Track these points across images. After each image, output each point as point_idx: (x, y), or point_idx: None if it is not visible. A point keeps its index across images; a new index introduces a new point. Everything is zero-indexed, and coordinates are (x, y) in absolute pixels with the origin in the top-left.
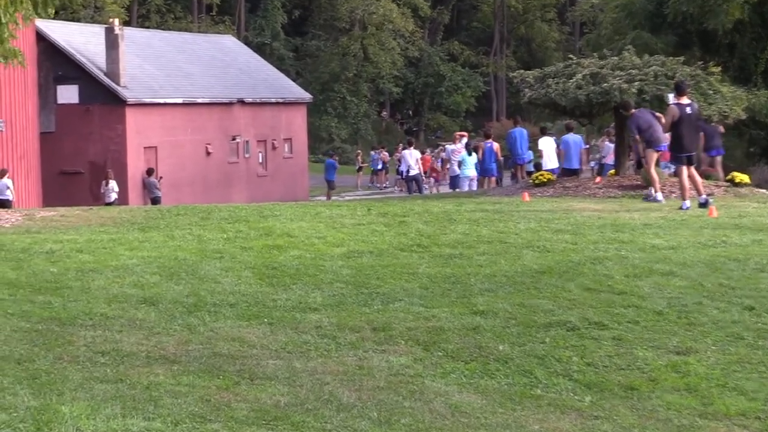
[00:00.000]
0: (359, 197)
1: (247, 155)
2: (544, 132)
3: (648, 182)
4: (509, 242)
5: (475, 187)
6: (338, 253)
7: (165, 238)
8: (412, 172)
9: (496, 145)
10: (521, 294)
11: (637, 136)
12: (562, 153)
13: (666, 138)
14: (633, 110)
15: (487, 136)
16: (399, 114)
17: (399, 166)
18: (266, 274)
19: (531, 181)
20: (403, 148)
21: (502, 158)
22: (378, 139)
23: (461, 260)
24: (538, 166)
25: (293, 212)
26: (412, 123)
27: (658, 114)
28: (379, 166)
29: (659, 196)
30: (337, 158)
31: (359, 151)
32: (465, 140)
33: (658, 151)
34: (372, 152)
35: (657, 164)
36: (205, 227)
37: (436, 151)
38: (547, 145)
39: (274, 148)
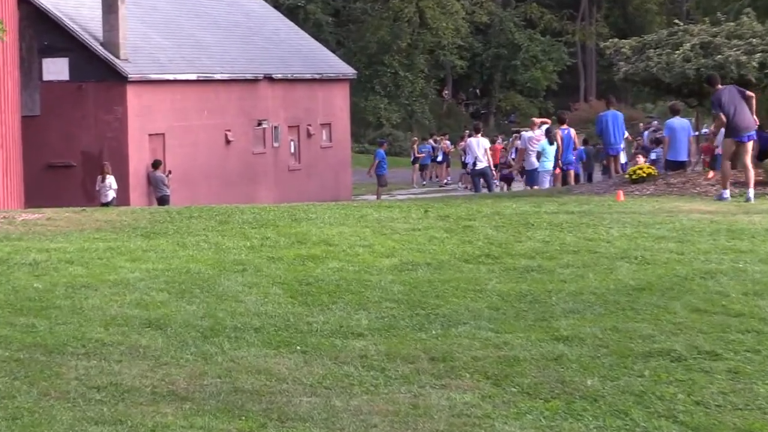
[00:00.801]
0: (415, 196)
1: (276, 144)
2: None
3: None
4: (599, 252)
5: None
6: (388, 265)
7: (175, 246)
8: (480, 165)
9: (573, 132)
10: (614, 316)
11: (722, 115)
12: (666, 141)
13: (754, 124)
14: (719, 86)
15: (562, 121)
16: (463, 93)
17: (463, 157)
18: (299, 290)
19: (627, 176)
20: (469, 136)
21: (584, 147)
22: (437, 125)
23: (540, 274)
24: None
25: (332, 215)
26: (480, 104)
27: (749, 93)
28: (439, 158)
29: (726, 193)
30: (386, 147)
31: (415, 138)
32: (545, 127)
33: (739, 141)
34: (426, 142)
35: (739, 157)
36: (223, 233)
37: (511, 140)
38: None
39: (309, 135)
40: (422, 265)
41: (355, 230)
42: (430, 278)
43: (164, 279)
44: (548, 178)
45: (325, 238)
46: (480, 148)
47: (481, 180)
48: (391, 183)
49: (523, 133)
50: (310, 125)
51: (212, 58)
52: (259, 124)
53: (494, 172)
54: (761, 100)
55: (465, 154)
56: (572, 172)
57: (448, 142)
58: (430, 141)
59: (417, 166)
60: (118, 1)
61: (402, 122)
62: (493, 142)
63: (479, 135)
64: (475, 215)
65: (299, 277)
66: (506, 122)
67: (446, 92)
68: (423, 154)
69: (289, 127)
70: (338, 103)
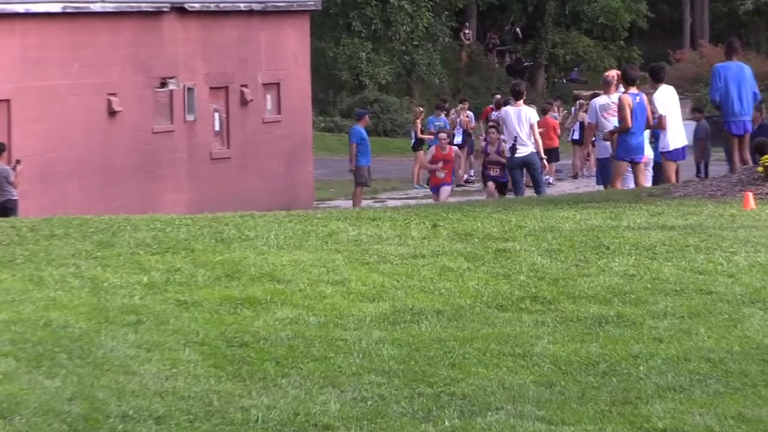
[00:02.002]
0: (416, 201)
1: (190, 117)
2: None
3: None
4: (716, 292)
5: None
6: (373, 313)
7: (26, 283)
8: (522, 151)
9: (645, 98)
10: (740, 397)
11: None
12: None
13: None
14: None
15: (630, 82)
16: (495, 34)
17: (485, 138)
18: (228, 356)
19: (761, 169)
20: (504, 104)
21: (697, 122)
22: (453, 85)
23: (620, 328)
24: None
25: (283, 232)
26: (522, 52)
27: None
28: (456, 139)
29: None
30: (367, 122)
31: (419, 108)
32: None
33: None
34: (437, 114)
35: None
36: (105, 262)
37: (573, 110)
38: None
39: (244, 102)
40: (428, 314)
41: (320, 257)
42: (441, 335)
43: (8, 337)
44: (649, 171)
45: (271, 271)
46: (522, 122)
47: (521, 174)
48: (378, 180)
49: (594, 101)
50: (245, 86)
51: None
52: (163, 85)
53: (545, 161)
54: None
55: (496, 132)
56: (672, 165)
57: (470, 114)
58: (443, 113)
59: (422, 152)
60: None
61: (396, 81)
62: (544, 112)
63: (520, 102)
64: (515, 233)
65: (228, 333)
66: (564, 81)
67: (467, 32)
68: (431, 134)
69: (211, 89)
70: (292, 51)
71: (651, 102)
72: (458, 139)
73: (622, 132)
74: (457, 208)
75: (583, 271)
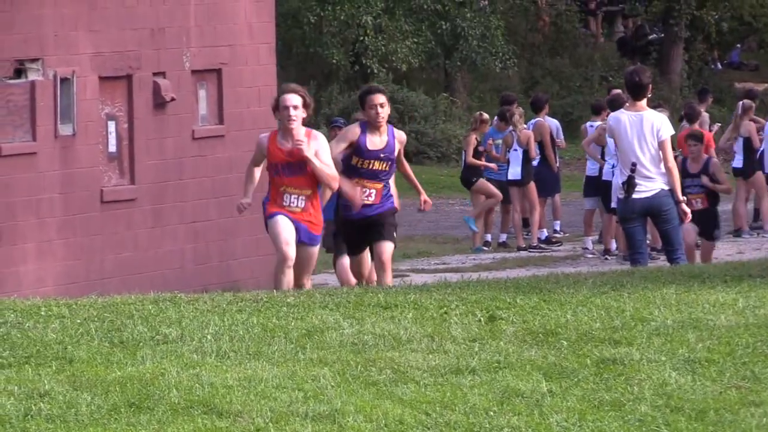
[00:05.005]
0: (458, 273)
1: (65, 129)
2: None
3: None
4: None
5: None
6: None
7: None
8: (645, 189)
9: None
10: None
11: None
12: None
13: None
14: None
15: None
16: None
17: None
18: None
19: None
20: (612, 104)
21: None
22: (526, 73)
23: None
24: None
25: (229, 328)
26: (646, 17)
27: None
28: (515, 171)
29: None
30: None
31: (479, 115)
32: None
33: None
34: (503, 126)
35: None
36: None
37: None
38: None
39: (160, 103)
40: None
41: (292, 373)
42: None
43: None
44: None
45: (207, 397)
46: (646, 138)
47: (646, 227)
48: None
49: None
50: (161, 75)
51: None
52: (19, 73)
53: (683, 202)
54: None
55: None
56: None
57: (553, 122)
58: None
59: (482, 184)
60: None
61: (427, 66)
62: (689, 119)
63: (643, 103)
64: (632, 331)
65: None
66: (719, 67)
67: None
68: (496, 158)
69: (102, 80)
70: (244, 15)
71: None
72: (515, 171)
73: None
74: (531, 286)
75: (748, 398)
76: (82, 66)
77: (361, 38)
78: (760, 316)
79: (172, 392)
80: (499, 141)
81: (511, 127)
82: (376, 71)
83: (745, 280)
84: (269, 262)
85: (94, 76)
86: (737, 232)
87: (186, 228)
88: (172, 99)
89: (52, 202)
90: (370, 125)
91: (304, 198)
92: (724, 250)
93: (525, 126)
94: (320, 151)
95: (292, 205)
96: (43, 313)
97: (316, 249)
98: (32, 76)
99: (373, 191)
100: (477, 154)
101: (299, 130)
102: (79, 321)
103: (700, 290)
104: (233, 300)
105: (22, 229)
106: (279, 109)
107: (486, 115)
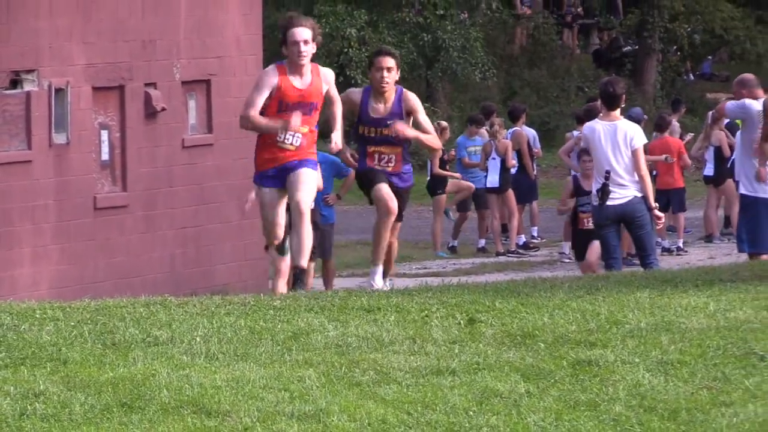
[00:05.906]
0: (439, 276)
1: (59, 138)
2: None
3: None
4: None
5: None
6: None
7: None
8: (618, 196)
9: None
10: None
11: None
12: None
13: None
14: None
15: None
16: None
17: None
18: None
19: None
20: (586, 115)
21: None
22: (504, 83)
23: None
24: None
25: (217, 330)
26: (620, 29)
27: None
28: (493, 179)
29: None
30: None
31: (439, 124)
32: None
33: None
34: (474, 131)
35: None
36: None
37: (706, 126)
38: None
39: (151, 113)
40: None
41: (278, 374)
42: None
43: None
44: None
45: (196, 397)
46: (620, 147)
47: (620, 233)
48: (361, 240)
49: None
50: (152, 86)
51: None
52: (15, 84)
53: (657, 212)
54: None
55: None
56: None
57: (530, 132)
58: (484, 128)
59: (443, 196)
60: None
61: (408, 77)
62: (660, 129)
63: (616, 113)
64: (606, 333)
65: None
66: (691, 78)
67: None
68: (471, 165)
69: (96, 91)
70: (232, 27)
71: None
72: (493, 179)
73: None
74: (509, 290)
75: (719, 398)
76: (76, 77)
77: (346, 50)
78: (730, 319)
79: (163, 392)
80: (478, 148)
81: (488, 136)
82: (360, 82)
83: (716, 284)
84: (256, 267)
85: (88, 86)
86: (708, 238)
87: (176, 233)
88: (163, 109)
89: (46, 208)
90: (374, 90)
91: (300, 135)
92: (696, 256)
93: (505, 135)
94: (330, 88)
95: (286, 142)
96: (38, 315)
97: (311, 168)
98: (28, 87)
99: (393, 156)
100: (442, 164)
101: (308, 66)
102: (72, 323)
103: (673, 294)
104: (222, 303)
105: (18, 235)
106: (287, 43)
107: (444, 123)
